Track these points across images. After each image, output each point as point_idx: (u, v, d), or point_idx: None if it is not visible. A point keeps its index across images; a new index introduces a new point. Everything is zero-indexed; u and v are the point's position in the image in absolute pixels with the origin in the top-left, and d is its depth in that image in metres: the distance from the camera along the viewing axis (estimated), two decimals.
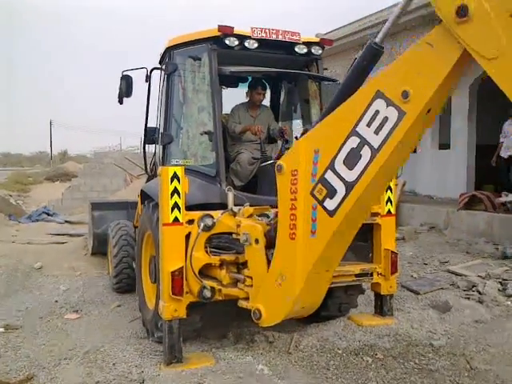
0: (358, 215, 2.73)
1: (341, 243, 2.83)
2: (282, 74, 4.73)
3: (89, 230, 7.11)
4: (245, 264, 3.33)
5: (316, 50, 4.30)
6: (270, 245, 3.11)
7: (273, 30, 4.07)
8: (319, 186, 2.64)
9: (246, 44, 3.97)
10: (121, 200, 7.77)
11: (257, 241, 3.13)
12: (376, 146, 2.40)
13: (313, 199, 2.67)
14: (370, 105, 2.39)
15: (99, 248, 6.59)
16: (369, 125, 2.41)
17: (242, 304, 3.28)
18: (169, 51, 4.35)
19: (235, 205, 3.53)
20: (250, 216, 3.44)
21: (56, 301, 5.21)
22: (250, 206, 3.49)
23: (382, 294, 4.06)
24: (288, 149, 4.62)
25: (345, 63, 10.42)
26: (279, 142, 4.76)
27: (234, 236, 3.40)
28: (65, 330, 4.30)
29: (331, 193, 2.59)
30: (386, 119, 2.35)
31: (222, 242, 3.52)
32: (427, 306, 4.66)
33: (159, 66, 4.59)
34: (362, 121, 2.43)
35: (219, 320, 4.06)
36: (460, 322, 4.24)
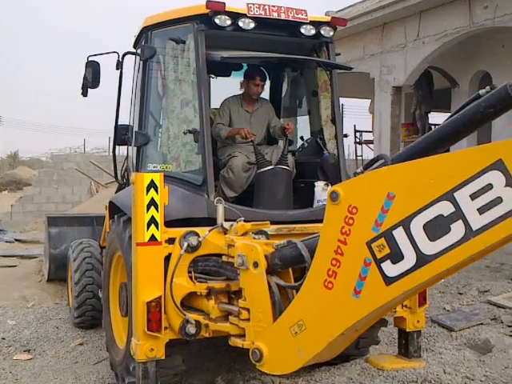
0: (420, 289, 2.60)
1: (387, 310, 2.73)
2: (284, 61, 4.79)
3: (44, 250, 7.11)
4: (239, 293, 3.32)
5: (326, 32, 4.35)
6: (272, 271, 3.12)
7: (273, 6, 4.09)
8: (381, 240, 2.48)
9: (241, 24, 4.02)
10: (84, 214, 7.79)
11: (256, 264, 3.11)
12: (475, 228, 2.20)
13: (368, 252, 2.52)
14: (481, 173, 2.19)
15: (57, 273, 6.61)
16: (473, 197, 2.21)
17: (236, 342, 3.25)
18: (146, 32, 4.40)
19: (227, 220, 3.55)
20: (245, 234, 3.45)
21: (3, 338, 5.19)
22: (245, 221, 3.51)
23: (407, 330, 4.06)
24: (293, 153, 4.80)
25: (359, 51, 10.58)
26: (280, 143, 4.82)
27: (225, 258, 3.41)
28: (14, 375, 4.29)
29: (395, 256, 2.43)
30: (499, 200, 2.15)
31: (209, 266, 3.52)
32: (463, 345, 4.67)
33: (134, 50, 4.63)
34: (464, 188, 2.23)
35: (206, 362, 4.05)
36: (503, 365, 4.23)
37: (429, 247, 2.34)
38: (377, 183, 2.55)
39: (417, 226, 2.37)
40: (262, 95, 4.82)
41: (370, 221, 2.52)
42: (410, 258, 2.39)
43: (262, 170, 4.25)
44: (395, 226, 2.43)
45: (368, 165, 2.99)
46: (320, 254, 2.76)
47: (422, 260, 2.36)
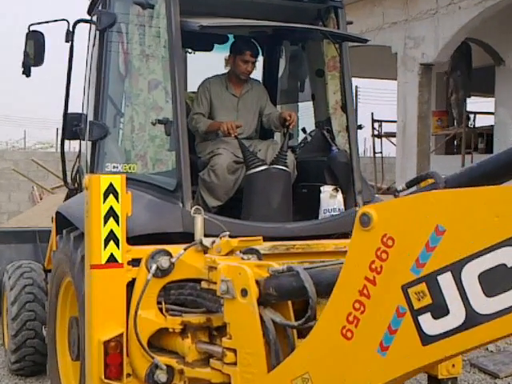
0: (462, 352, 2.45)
1: (416, 372, 2.59)
2: (281, 31, 4.84)
3: None
4: (222, 329, 3.32)
5: None
6: (265, 301, 3.12)
7: None
8: (422, 285, 2.38)
9: None
10: (24, 228, 7.75)
11: (244, 292, 3.06)
12: None
13: (403, 299, 2.43)
14: None
15: None
16: None
17: None
18: None
19: (207, 235, 3.56)
20: (231, 253, 3.45)
21: None
22: (231, 236, 3.52)
23: (439, 377, 4.04)
24: (293, 150, 4.80)
25: (377, 18, 10.63)
26: (277, 137, 4.84)
27: (205, 285, 3.40)
28: None
29: (437, 309, 2.34)
30: None
31: (184, 295, 3.51)
32: None
33: (88, 17, 4.71)
34: None
35: None
36: None
37: (483, 304, 2.23)
38: (423, 211, 2.46)
39: (470, 274, 2.28)
40: (252, 75, 4.88)
41: (409, 258, 2.45)
42: (456, 315, 2.29)
43: (253, 171, 4.27)
44: (442, 270, 2.33)
45: (413, 183, 2.98)
46: (340, 293, 2.68)
47: (473, 320, 2.26)
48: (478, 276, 2.22)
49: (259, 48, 5.06)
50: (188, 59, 5.02)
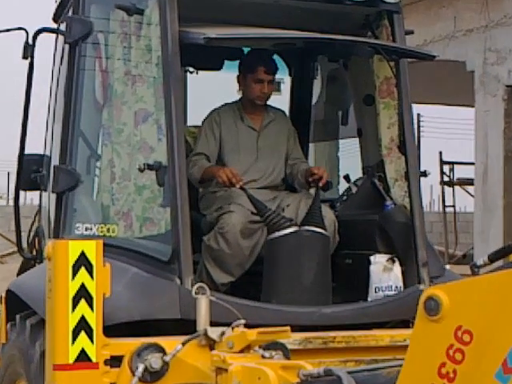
0: None
1: None
2: (316, 44, 4.89)
3: None
4: None
5: None
6: None
7: None
8: None
9: None
10: None
11: None
12: None
13: None
14: None
15: None
16: None
17: None
18: None
19: (214, 324, 3.54)
20: (247, 348, 3.44)
21: None
22: (248, 326, 3.49)
23: None
24: (332, 205, 4.82)
25: (447, 24, 10.68)
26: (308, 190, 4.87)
27: None
28: None
29: None
30: None
31: None
32: None
33: (54, 25, 4.80)
34: None
35: None
36: None
37: None
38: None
39: None
40: (276, 102, 4.97)
41: (493, 360, 2.45)
42: None
43: (278, 234, 4.26)
44: None
45: (498, 255, 3.03)
46: None
47: None
48: None
49: (285, 65, 5.18)
50: (189, 82, 5.10)
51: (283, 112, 5.13)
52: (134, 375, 3.38)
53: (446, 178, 16.36)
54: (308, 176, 4.64)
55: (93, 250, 3.38)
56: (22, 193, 5.18)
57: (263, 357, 3.33)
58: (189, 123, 5.06)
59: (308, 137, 5.35)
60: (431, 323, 2.55)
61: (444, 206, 16.93)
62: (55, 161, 4.56)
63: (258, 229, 4.41)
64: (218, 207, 4.50)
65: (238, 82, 4.88)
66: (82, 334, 3.33)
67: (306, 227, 4.31)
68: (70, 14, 4.54)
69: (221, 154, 4.75)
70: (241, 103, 4.88)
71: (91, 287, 3.36)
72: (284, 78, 5.41)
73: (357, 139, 5.01)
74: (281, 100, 5.11)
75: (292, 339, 3.52)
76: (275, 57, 5.06)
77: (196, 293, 3.60)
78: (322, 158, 5.89)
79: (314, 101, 5.46)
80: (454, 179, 16.34)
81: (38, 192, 5.07)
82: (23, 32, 4.63)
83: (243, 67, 4.86)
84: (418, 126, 16.17)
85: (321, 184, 4.57)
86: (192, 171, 4.56)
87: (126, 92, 4.33)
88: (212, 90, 5.17)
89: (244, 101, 4.87)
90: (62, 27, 4.58)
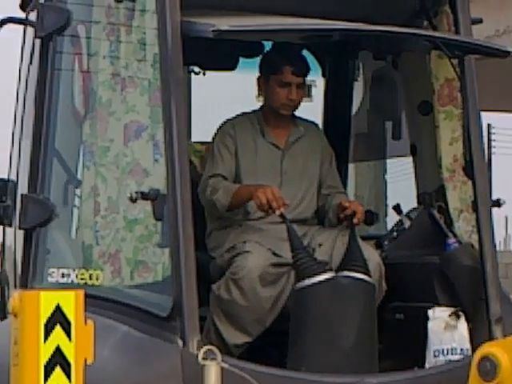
0: None
1: None
2: (356, 38, 4.91)
3: None
4: None
5: None
6: None
7: None
8: None
9: None
10: None
11: None
12: None
13: None
14: None
15: None
16: None
17: None
18: None
19: None
20: None
21: None
22: None
23: None
24: (379, 243, 4.75)
25: None
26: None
27: None
28: None
29: None
30: None
31: None
32: None
33: (22, 15, 4.80)
34: None
35: None
36: None
37: None
38: None
39: None
40: (306, 112, 4.96)
41: None
42: None
43: (309, 282, 4.25)
44: None
45: None
46: None
47: None
48: None
49: (318, 63, 5.20)
50: (193, 86, 5.10)
51: (316, 125, 5.13)
52: None
53: None
54: (339, 212, 4.63)
55: (71, 302, 3.34)
56: None
57: None
58: (193, 139, 5.08)
59: (347, 156, 5.37)
60: None
61: None
62: (23, 188, 4.54)
63: (282, 274, 4.40)
64: (230, 246, 4.51)
65: (258, 85, 4.90)
66: None
67: (345, 273, 4.30)
68: (43, 0, 4.54)
69: (236, 176, 4.76)
70: (261, 113, 4.90)
71: (69, 351, 3.32)
72: (316, 80, 5.38)
73: (410, 158, 5.01)
74: (312, 109, 5.05)
75: None
76: (305, 53, 5.09)
77: (203, 358, 3.60)
78: (365, 183, 5.84)
79: (354, 110, 5.47)
80: None
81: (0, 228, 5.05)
82: None
83: (264, 67, 4.89)
84: (489, 140, 16.18)
85: (355, 222, 4.54)
86: (216, 197, 4.57)
87: (113, 100, 4.34)
88: (224, 96, 5.16)
89: (265, 110, 4.89)
90: (32, 17, 4.58)
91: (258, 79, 4.89)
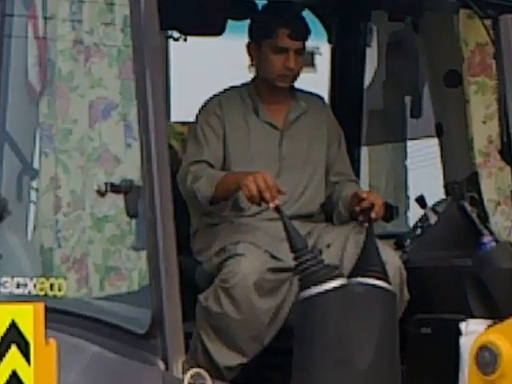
0: None
1: None
2: None
3: None
4: None
5: None
6: None
7: None
8: None
9: None
10: None
11: None
12: None
13: None
14: None
15: None
16: None
17: None
18: None
19: None
20: None
21: None
22: None
23: None
24: (399, 243, 4.72)
25: None
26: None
27: None
28: None
29: None
30: None
31: None
32: None
33: None
34: None
35: None
36: None
37: None
38: None
39: None
40: (308, 84, 4.82)
41: None
42: None
43: (315, 291, 4.09)
44: None
45: None
46: None
47: None
48: None
49: (322, 24, 5.16)
50: (173, 54, 5.02)
51: (321, 98, 5.02)
52: None
53: None
54: (354, 204, 4.50)
55: (29, 318, 3.17)
56: None
57: None
58: (173, 119, 5.02)
59: (359, 137, 5.29)
60: (484, 380, 3.00)
61: None
62: None
63: (282, 282, 4.31)
64: (219, 249, 4.41)
65: (249, 53, 4.79)
66: None
67: (359, 279, 4.19)
68: None
69: (224, 164, 4.65)
70: (253, 87, 4.81)
71: (27, 377, 3.16)
72: (321, 47, 5.25)
73: (435, 140, 4.91)
74: (316, 81, 4.90)
75: None
76: (306, 14, 5.01)
77: (190, 383, 3.52)
78: (381, 170, 5.81)
79: (367, 82, 5.38)
80: None
81: None
82: None
83: (256, 30, 4.79)
84: None
85: (373, 216, 4.41)
86: (196, 186, 4.48)
87: (75, 72, 4.25)
88: (209, 67, 5.04)
89: (258, 83, 4.79)
90: None
91: (248, 46, 4.80)
